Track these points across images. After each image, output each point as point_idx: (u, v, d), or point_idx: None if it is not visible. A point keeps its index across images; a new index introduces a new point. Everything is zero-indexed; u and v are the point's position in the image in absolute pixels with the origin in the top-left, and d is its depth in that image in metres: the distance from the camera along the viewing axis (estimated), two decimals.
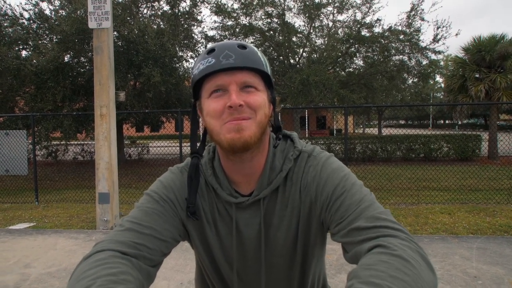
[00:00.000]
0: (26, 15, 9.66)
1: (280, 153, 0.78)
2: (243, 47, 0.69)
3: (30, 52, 9.76)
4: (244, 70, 0.68)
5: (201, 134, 0.84)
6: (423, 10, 12.33)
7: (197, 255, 0.85)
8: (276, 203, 0.76)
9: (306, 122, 26.76)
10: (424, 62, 13.54)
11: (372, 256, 0.55)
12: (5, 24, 9.43)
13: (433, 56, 13.30)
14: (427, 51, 12.90)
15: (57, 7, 9.86)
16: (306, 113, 26.04)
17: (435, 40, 12.44)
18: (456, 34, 13.13)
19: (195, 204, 0.76)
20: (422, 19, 12.40)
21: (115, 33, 9.48)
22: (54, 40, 9.51)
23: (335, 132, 26.44)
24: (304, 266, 0.81)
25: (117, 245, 0.63)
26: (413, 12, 12.27)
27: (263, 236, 0.76)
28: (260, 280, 0.80)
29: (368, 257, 0.55)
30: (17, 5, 12.15)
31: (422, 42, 12.85)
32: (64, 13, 9.32)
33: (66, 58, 9.98)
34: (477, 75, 11.73)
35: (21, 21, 9.54)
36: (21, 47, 9.82)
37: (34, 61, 8.83)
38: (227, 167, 0.77)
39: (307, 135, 25.16)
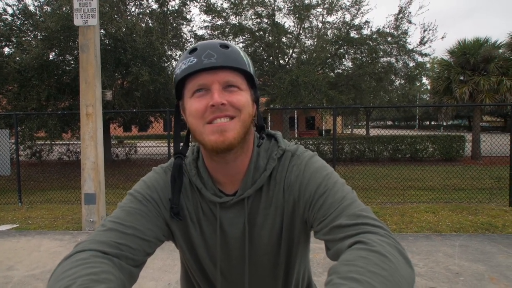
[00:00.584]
0: (9, 10, 9.45)
1: (264, 153, 0.79)
2: (225, 46, 0.70)
3: (13, 49, 9.50)
4: (226, 70, 0.68)
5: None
6: (410, 13, 12.56)
7: (181, 254, 0.85)
8: (260, 202, 0.77)
9: (295, 123, 26.91)
10: (411, 64, 13.80)
11: (351, 252, 0.56)
12: None
13: (420, 59, 13.58)
14: (414, 53, 13.15)
15: (41, 3, 9.63)
16: (296, 113, 26.19)
17: (422, 42, 12.69)
18: (442, 37, 13.44)
19: (179, 204, 0.76)
20: (410, 22, 12.63)
21: (102, 31, 9.33)
22: (39, 37, 9.29)
23: (323, 132, 26.68)
24: (288, 264, 0.81)
25: (98, 245, 0.63)
26: (400, 15, 12.48)
27: (247, 235, 0.76)
28: (244, 279, 0.80)
29: (348, 253, 0.56)
30: (0, 1, 11.79)
31: (409, 44, 13.10)
32: (49, 9, 9.11)
33: (51, 56, 9.75)
34: (461, 78, 12.02)
35: (4, 17, 9.27)
36: (3, 43, 9.54)
37: (18, 58, 8.59)
38: (211, 167, 0.77)
39: (296, 135, 25.29)
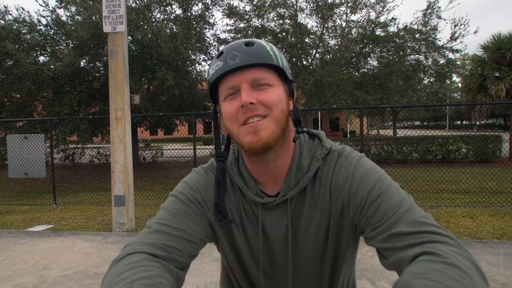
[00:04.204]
0: (43, 21, 9.94)
1: (307, 152, 0.75)
2: (251, 44, 0.68)
3: (47, 58, 10.01)
4: (253, 68, 0.66)
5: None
6: (439, 8, 12.06)
7: (223, 256, 0.84)
8: (304, 204, 0.73)
9: (319, 124, 26.56)
10: (441, 61, 13.19)
11: (421, 264, 0.50)
12: (24, 31, 9.72)
13: (451, 55, 12.97)
14: (444, 50, 12.58)
15: (73, 13, 10.10)
16: (319, 115, 25.85)
17: (453, 38, 12.12)
18: (475, 32, 12.78)
19: (224, 207, 0.75)
20: (439, 17, 12.11)
21: (129, 37, 9.64)
22: (71, 45, 9.73)
23: (348, 133, 26.14)
24: (334, 269, 0.77)
25: (147, 247, 0.62)
26: (429, 10, 12.00)
27: (290, 238, 0.73)
28: (287, 282, 0.77)
29: (417, 264, 0.51)
30: (35, 12, 12.51)
31: (439, 40, 12.54)
32: (80, 19, 9.53)
33: (82, 63, 10.20)
34: (497, 74, 11.34)
35: (38, 27, 9.81)
36: (39, 52, 10.09)
37: (52, 66, 9.04)
38: (252, 168, 0.75)
39: None
